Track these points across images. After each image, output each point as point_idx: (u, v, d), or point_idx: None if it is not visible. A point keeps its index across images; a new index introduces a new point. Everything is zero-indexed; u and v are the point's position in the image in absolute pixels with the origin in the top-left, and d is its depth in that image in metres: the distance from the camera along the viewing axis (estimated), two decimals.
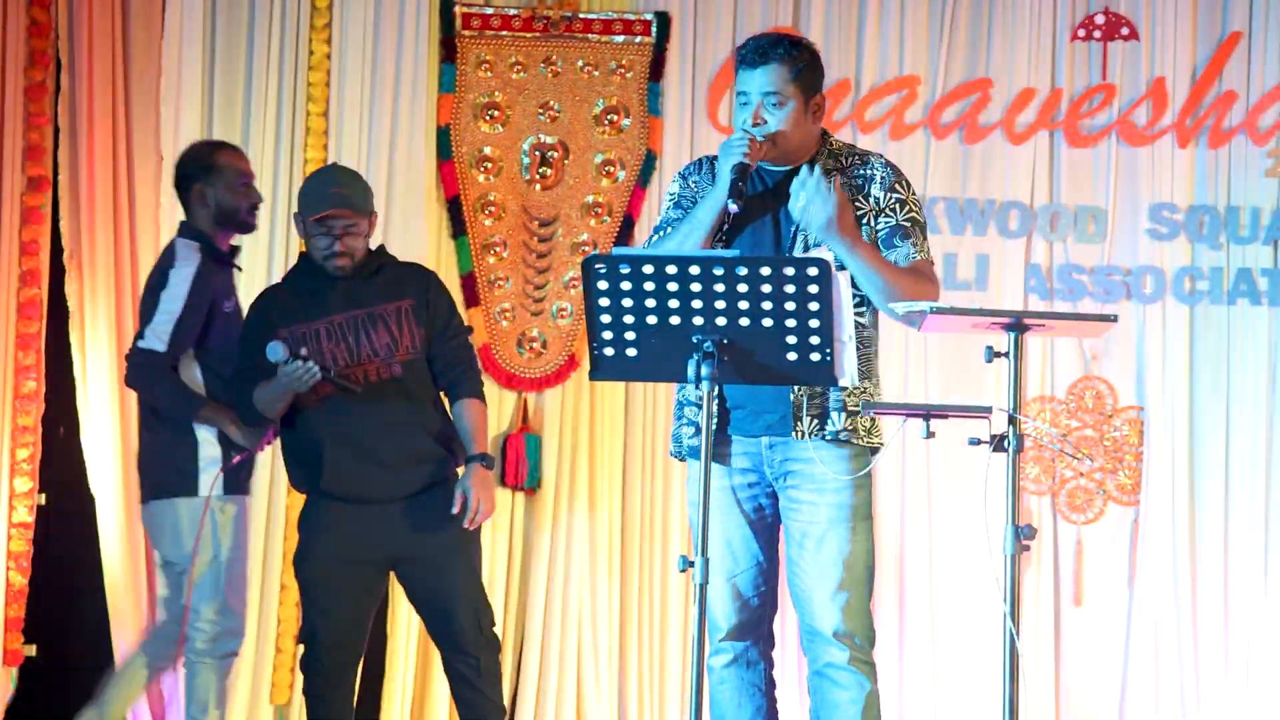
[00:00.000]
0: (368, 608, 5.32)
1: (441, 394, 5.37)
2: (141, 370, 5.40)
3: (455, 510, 5.20)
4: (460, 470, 5.28)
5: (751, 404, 4.38)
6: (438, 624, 5.27)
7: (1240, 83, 7.10)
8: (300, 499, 6.68)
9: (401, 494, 5.20)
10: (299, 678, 6.73)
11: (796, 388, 4.32)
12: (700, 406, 4.22)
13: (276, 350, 5.09)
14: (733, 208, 4.24)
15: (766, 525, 4.46)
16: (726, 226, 4.36)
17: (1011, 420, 3.94)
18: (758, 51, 4.37)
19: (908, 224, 4.41)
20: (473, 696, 5.24)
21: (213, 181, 5.56)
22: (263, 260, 6.78)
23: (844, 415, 4.34)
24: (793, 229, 4.37)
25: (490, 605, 5.32)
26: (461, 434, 5.33)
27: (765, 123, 4.35)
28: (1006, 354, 3.98)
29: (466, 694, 5.24)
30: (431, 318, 5.31)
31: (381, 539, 5.20)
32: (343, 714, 5.29)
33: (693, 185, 4.51)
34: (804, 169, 4.31)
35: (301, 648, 5.31)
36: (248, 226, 5.62)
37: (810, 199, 4.27)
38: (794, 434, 4.34)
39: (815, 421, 4.34)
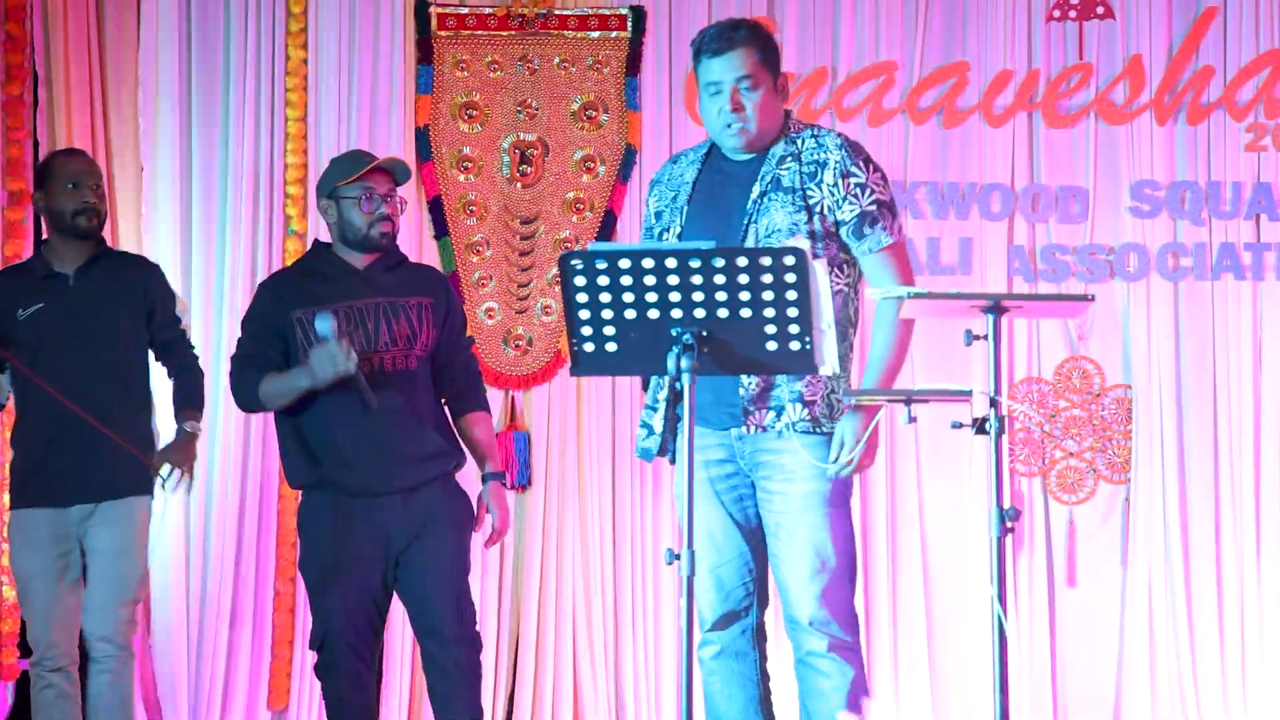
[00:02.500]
0: (379, 604, 5.22)
1: (442, 400, 5.34)
2: None
3: (478, 529, 5.24)
4: (455, 471, 5.28)
5: (713, 396, 4.38)
6: (420, 613, 5.19)
7: (1217, 58, 7.11)
8: (289, 505, 6.76)
9: (404, 486, 5.13)
10: (296, 682, 6.76)
11: (745, 385, 4.33)
12: (655, 409, 4.25)
13: (327, 322, 4.96)
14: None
15: (750, 516, 4.47)
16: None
17: (992, 402, 3.94)
18: (721, 38, 4.37)
19: (873, 209, 4.39)
20: (449, 690, 5.13)
21: (44, 188, 5.54)
22: (246, 265, 6.78)
23: (800, 406, 4.35)
24: (747, 219, 4.37)
25: (473, 605, 5.25)
26: (477, 448, 5.32)
27: (744, 108, 4.36)
28: (985, 336, 3.99)
29: (443, 687, 5.14)
30: (447, 322, 5.27)
31: (385, 531, 5.12)
32: (367, 717, 5.20)
33: (653, 200, 4.56)
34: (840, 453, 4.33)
35: (314, 654, 5.21)
36: (78, 230, 5.49)
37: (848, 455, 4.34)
38: (745, 429, 4.35)
39: (771, 415, 4.34)
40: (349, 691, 5.16)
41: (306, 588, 5.26)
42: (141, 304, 5.53)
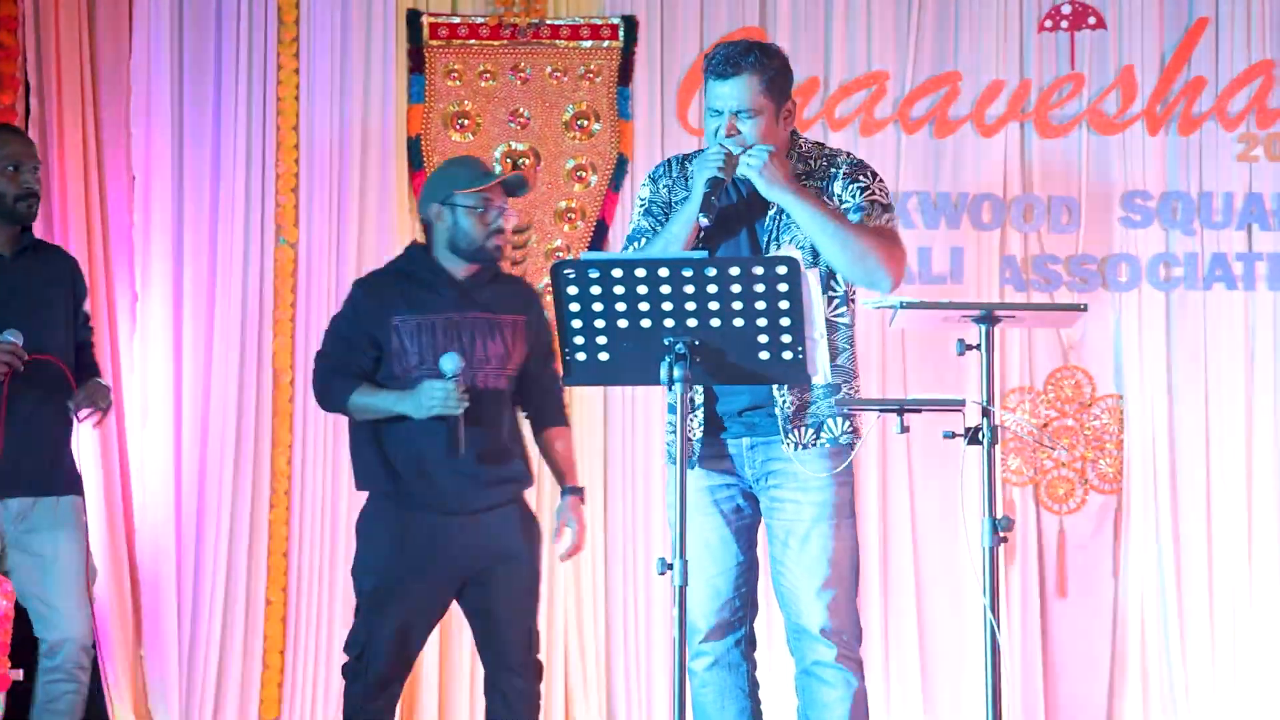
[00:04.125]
0: (430, 623, 5.18)
1: (521, 414, 5.32)
2: None
3: (557, 540, 5.21)
4: (527, 491, 5.28)
5: (736, 406, 4.40)
6: (489, 638, 5.14)
7: (1209, 68, 7.12)
8: (280, 515, 6.75)
9: (479, 507, 5.08)
10: (287, 692, 6.75)
11: (783, 401, 4.34)
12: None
13: (454, 363, 4.93)
14: (704, 222, 4.25)
15: (745, 525, 4.48)
16: (701, 237, 4.35)
17: (985, 412, 3.95)
18: (728, 62, 4.35)
19: (866, 205, 4.40)
20: (507, 718, 5.11)
21: None
22: (238, 275, 6.78)
23: (840, 420, 4.38)
24: (766, 238, 4.38)
25: (539, 632, 5.23)
26: (557, 463, 5.32)
27: (739, 134, 4.36)
28: (978, 346, 4.00)
29: (503, 714, 5.12)
30: (536, 338, 5.21)
31: (456, 552, 5.05)
32: None
33: (663, 189, 4.52)
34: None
35: (345, 656, 5.14)
36: (16, 215, 5.27)
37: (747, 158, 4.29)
38: (785, 446, 4.36)
39: (811, 432, 4.36)
40: (373, 702, 5.10)
41: (357, 593, 5.18)
42: (72, 293, 5.40)
